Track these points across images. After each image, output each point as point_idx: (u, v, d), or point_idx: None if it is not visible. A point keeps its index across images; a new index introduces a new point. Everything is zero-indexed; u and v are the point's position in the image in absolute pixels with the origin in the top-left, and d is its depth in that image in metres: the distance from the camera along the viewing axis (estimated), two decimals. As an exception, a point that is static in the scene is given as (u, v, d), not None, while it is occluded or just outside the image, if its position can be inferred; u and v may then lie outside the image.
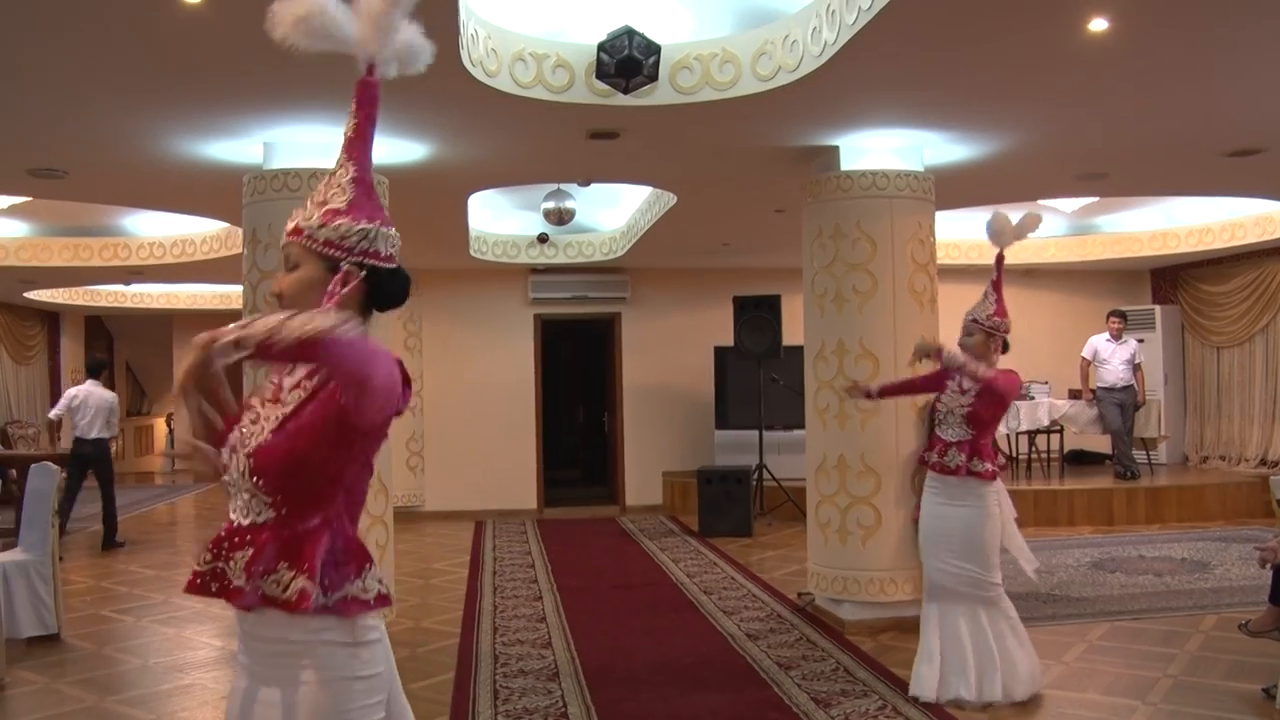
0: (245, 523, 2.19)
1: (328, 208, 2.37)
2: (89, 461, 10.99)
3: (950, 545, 5.35)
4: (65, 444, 12.34)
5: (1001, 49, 5.18)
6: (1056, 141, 7.18)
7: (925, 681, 5.33)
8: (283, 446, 2.15)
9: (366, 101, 2.44)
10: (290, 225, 2.34)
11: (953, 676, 5.29)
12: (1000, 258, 5.69)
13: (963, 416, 5.36)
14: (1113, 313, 12.11)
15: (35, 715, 5.56)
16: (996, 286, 5.56)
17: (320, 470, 2.15)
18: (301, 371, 2.22)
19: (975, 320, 5.46)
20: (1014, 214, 5.79)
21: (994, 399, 5.32)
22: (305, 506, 2.16)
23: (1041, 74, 5.62)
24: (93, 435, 10.96)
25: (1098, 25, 4.77)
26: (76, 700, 5.76)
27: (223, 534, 2.20)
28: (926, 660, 5.38)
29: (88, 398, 10.97)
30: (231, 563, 2.16)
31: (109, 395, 11.15)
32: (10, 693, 5.90)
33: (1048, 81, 5.78)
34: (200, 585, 2.18)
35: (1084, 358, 12.06)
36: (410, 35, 2.38)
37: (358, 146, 2.47)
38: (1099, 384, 11.93)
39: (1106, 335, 11.93)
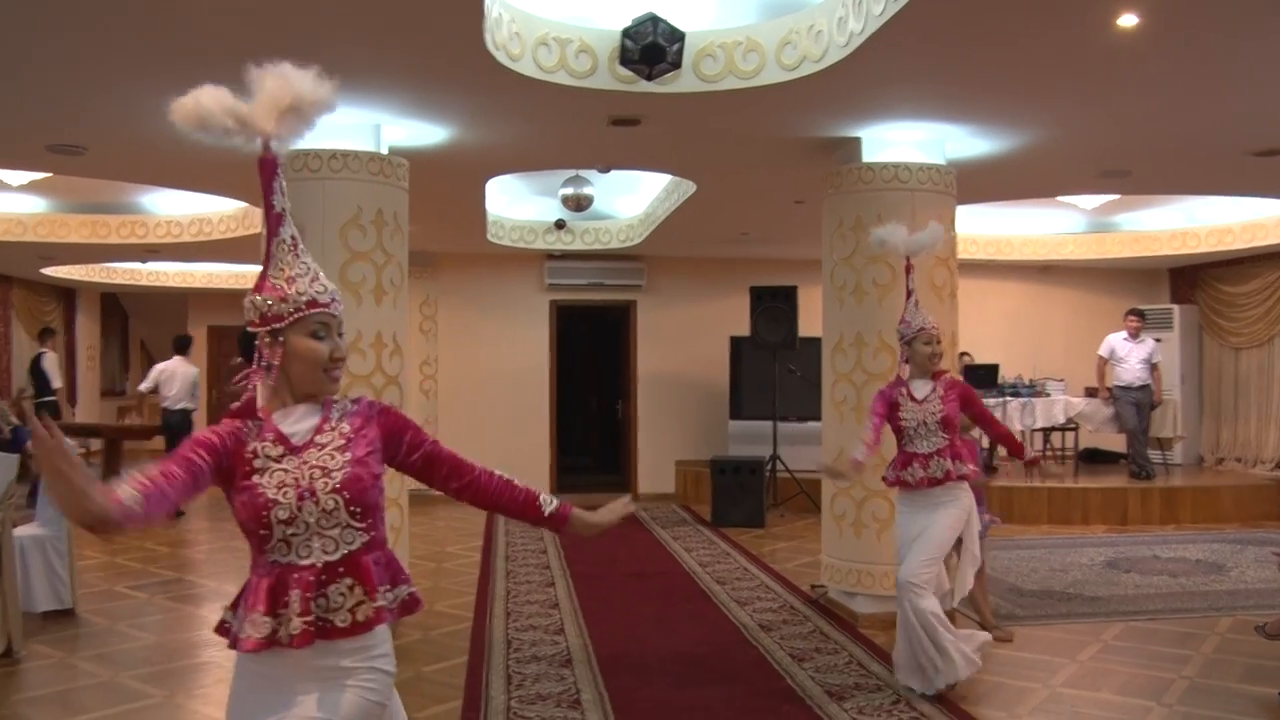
0: (333, 559, 2.38)
1: None
2: (174, 430, 11.84)
3: (918, 542, 5.33)
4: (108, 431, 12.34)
5: (1029, 43, 5.14)
6: (1081, 137, 7.13)
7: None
8: (366, 476, 2.44)
9: (265, 173, 2.55)
10: (335, 289, 2.55)
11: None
12: (907, 266, 5.65)
13: (937, 423, 5.32)
14: (1131, 311, 12.03)
15: (50, 689, 5.58)
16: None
17: (382, 492, 2.49)
18: (315, 419, 2.48)
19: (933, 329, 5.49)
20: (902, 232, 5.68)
21: (961, 398, 5.41)
22: (381, 525, 2.47)
23: (1069, 69, 5.58)
24: (178, 406, 11.93)
25: (1127, 21, 4.73)
26: (90, 675, 5.77)
27: (300, 585, 2.34)
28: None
29: (174, 372, 11.93)
30: (322, 599, 2.36)
31: (193, 370, 12.19)
32: (26, 666, 5.93)
33: (1074, 77, 5.73)
34: (308, 637, 2.33)
35: (1100, 356, 11.99)
36: (305, 100, 2.51)
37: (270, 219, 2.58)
38: (1115, 383, 11.86)
39: (1124, 334, 11.85)
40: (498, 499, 2.76)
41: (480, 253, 12.76)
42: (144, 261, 15.28)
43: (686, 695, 5.45)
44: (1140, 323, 11.83)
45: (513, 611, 7.19)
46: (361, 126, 6.56)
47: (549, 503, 2.74)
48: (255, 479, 2.36)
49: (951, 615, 6.84)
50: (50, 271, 15.43)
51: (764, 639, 6.49)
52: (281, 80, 2.48)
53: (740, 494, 11.04)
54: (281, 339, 2.43)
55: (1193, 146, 7.47)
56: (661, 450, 13.63)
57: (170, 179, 9.07)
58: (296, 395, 2.47)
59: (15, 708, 5.27)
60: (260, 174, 2.51)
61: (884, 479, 5.60)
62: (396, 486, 6.51)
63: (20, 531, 6.62)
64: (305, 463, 2.38)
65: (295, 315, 2.43)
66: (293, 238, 2.52)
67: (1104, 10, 4.66)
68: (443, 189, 8.51)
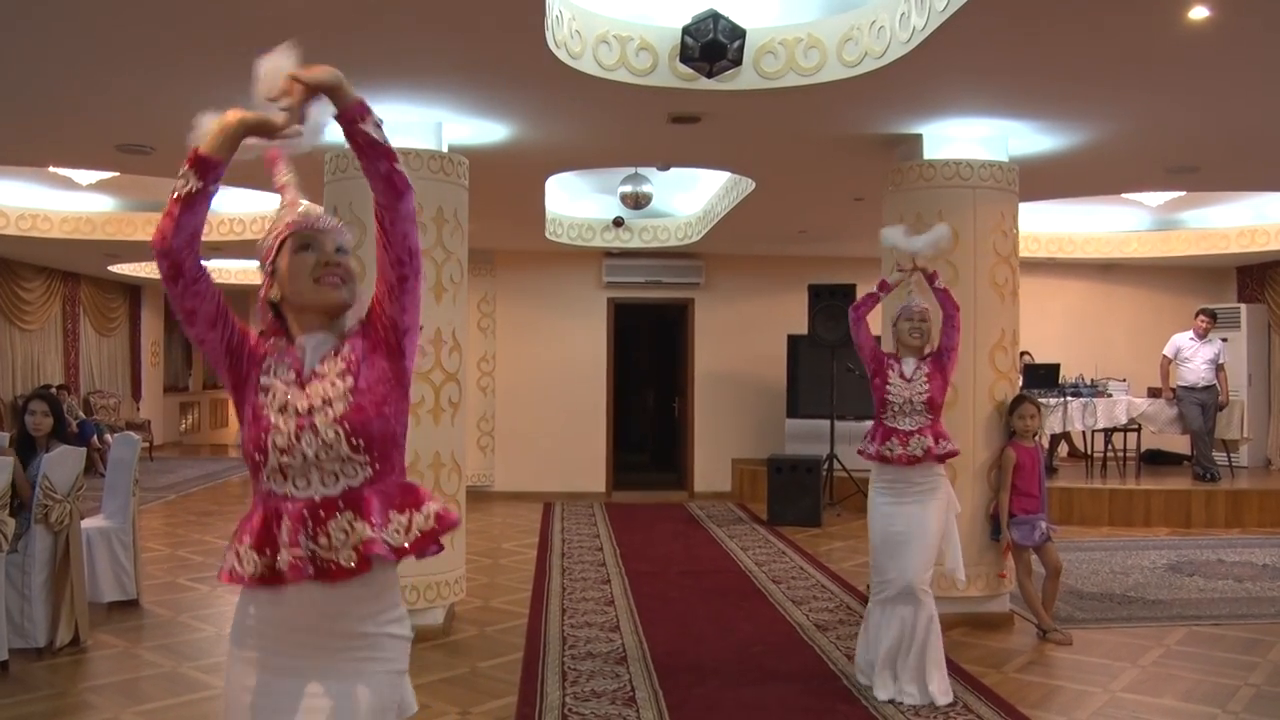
0: (333, 493, 2.23)
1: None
2: None
3: (912, 543, 5.20)
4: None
5: (1096, 37, 5.07)
6: (1148, 133, 7.01)
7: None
8: (370, 407, 2.28)
9: (270, 165, 2.57)
10: (333, 220, 2.53)
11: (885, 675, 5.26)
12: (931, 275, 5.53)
13: (923, 403, 5.28)
14: (1202, 311, 11.77)
15: (115, 678, 5.68)
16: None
17: (394, 425, 2.32)
18: (329, 348, 2.35)
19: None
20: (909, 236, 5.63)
21: (945, 374, 5.38)
22: (395, 460, 2.31)
23: (1137, 63, 5.49)
24: None
25: (1198, 14, 4.64)
26: (154, 665, 5.87)
27: (292, 516, 2.22)
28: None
29: None
30: (323, 537, 2.19)
31: None
32: (92, 655, 6.05)
33: (1143, 71, 5.64)
34: (299, 571, 2.18)
35: (1165, 356, 11.77)
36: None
37: None
38: (1180, 383, 11.65)
39: (1190, 333, 11.62)
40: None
41: (539, 250, 12.81)
42: (207, 259, 15.44)
43: (741, 694, 5.44)
44: (1210, 323, 11.58)
45: (568, 608, 7.21)
46: (423, 124, 6.61)
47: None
48: (260, 397, 2.32)
49: (1009, 618, 6.80)
50: (117, 269, 15.73)
51: (819, 639, 6.46)
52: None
53: (797, 493, 11.00)
54: (275, 269, 2.41)
55: (1263, 142, 7.31)
56: (718, 448, 13.61)
57: (234, 177, 9.13)
58: (305, 324, 2.39)
59: (82, 695, 5.37)
60: (266, 164, 2.56)
61: (860, 452, 5.52)
62: (454, 484, 6.55)
63: (87, 524, 6.74)
64: (308, 393, 2.29)
65: (277, 240, 2.43)
66: (290, 199, 2.54)
67: (1174, 2, 4.58)
68: (502, 187, 8.55)
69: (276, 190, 2.56)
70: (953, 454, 5.34)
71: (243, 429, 2.36)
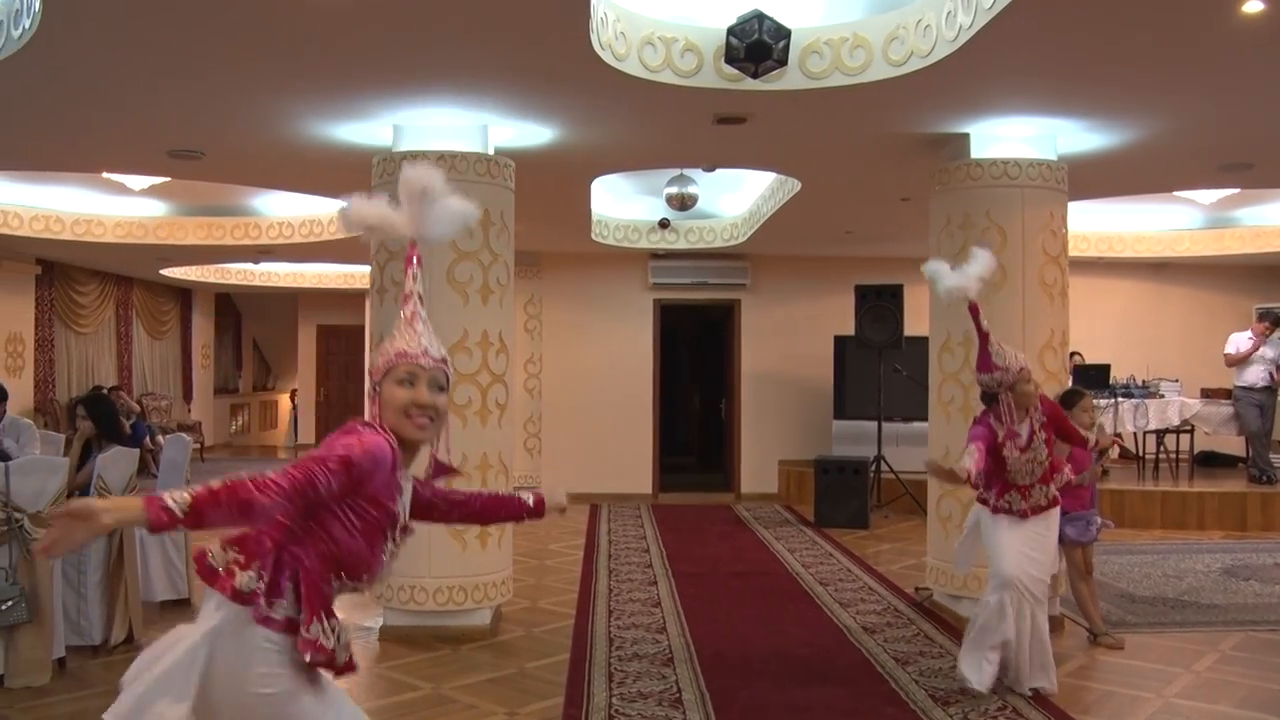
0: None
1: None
2: None
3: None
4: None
5: (1147, 33, 5.01)
6: (1200, 130, 6.91)
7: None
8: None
9: (405, 264, 2.90)
10: (438, 353, 2.80)
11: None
12: (973, 307, 5.23)
13: (1042, 460, 5.28)
14: (1262, 316, 11.54)
15: (167, 678, 5.74)
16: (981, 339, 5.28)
17: None
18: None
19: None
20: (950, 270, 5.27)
21: (1055, 426, 5.43)
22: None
23: (1188, 59, 5.42)
24: None
25: (1252, 7, 4.58)
26: (206, 665, 5.93)
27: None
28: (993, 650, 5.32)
29: None
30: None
31: None
32: (144, 655, 6.12)
33: (1196, 67, 5.56)
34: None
35: (1228, 354, 11.50)
36: (443, 211, 2.84)
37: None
38: (1238, 383, 11.44)
39: (1249, 333, 11.41)
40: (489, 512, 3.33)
41: (585, 252, 12.84)
42: (256, 262, 15.70)
43: (788, 696, 5.42)
44: (1270, 329, 11.30)
45: (615, 610, 7.22)
46: (469, 128, 6.64)
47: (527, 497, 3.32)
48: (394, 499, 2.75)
49: (1060, 621, 6.72)
50: (168, 272, 15.95)
51: (867, 641, 6.42)
52: (405, 185, 2.80)
53: (844, 494, 10.94)
54: (379, 389, 2.76)
55: (1319, 139, 7.20)
56: (765, 450, 13.58)
57: (283, 181, 9.29)
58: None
59: (136, 694, 5.44)
60: (405, 263, 2.89)
61: (981, 500, 5.46)
62: (502, 485, 6.59)
63: (140, 523, 6.83)
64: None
65: (386, 367, 2.74)
66: (411, 313, 2.82)
67: (1227, -2, 4.52)
68: (548, 189, 8.58)
69: (402, 296, 2.88)
70: (1069, 483, 5.60)
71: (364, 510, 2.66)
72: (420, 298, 2.86)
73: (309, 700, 2.61)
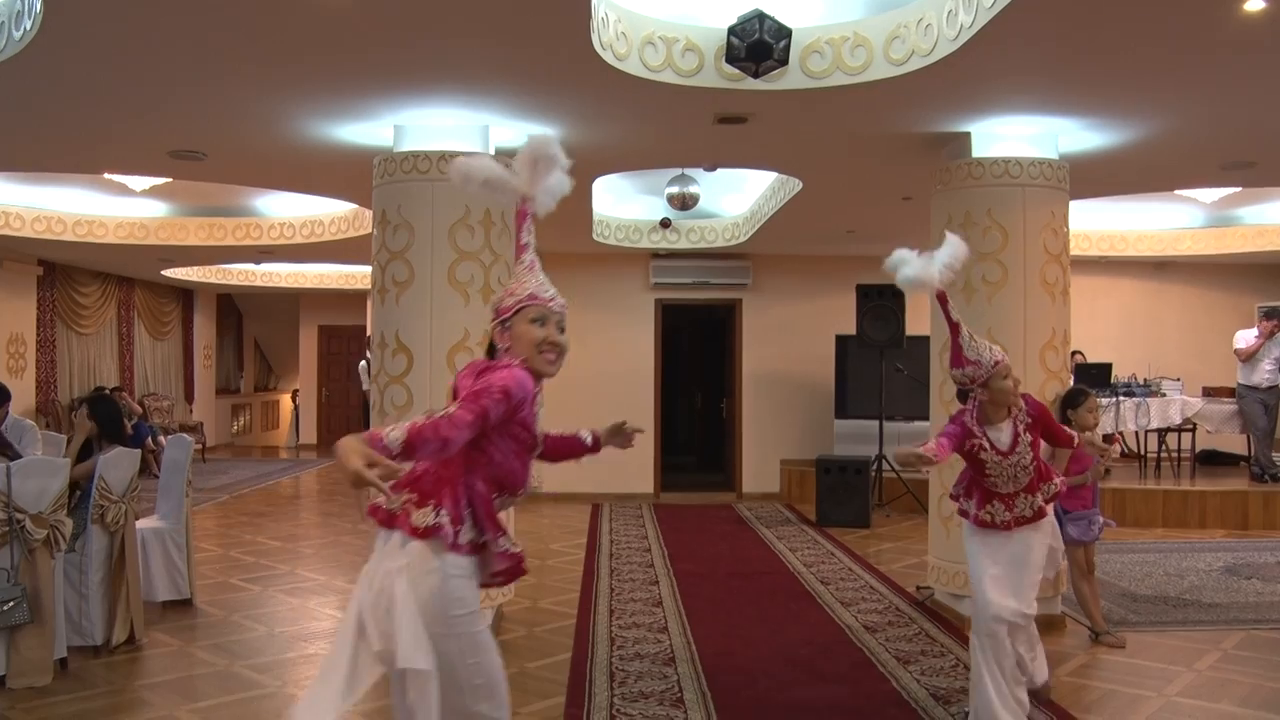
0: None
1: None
2: None
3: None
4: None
5: (1148, 32, 5.00)
6: (1202, 128, 6.91)
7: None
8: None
9: (518, 223, 3.37)
10: (561, 298, 3.26)
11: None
12: (941, 296, 4.79)
13: (1027, 466, 4.74)
14: (1267, 315, 11.50)
15: (170, 676, 5.76)
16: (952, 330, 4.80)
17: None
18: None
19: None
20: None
21: (1041, 427, 4.85)
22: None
23: (1190, 58, 5.42)
24: None
25: (1254, 5, 4.58)
26: (207, 664, 5.94)
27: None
28: None
29: None
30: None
31: None
32: (147, 653, 6.14)
33: (1196, 66, 5.56)
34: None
35: (1240, 349, 11.45)
36: (556, 180, 3.35)
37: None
38: (1243, 381, 11.42)
39: (1256, 331, 11.39)
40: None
41: (586, 252, 12.83)
42: (258, 263, 15.71)
43: (789, 696, 5.42)
44: (1276, 327, 11.30)
45: (616, 609, 7.22)
46: (470, 128, 6.64)
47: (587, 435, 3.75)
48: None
49: (1061, 620, 6.72)
50: (170, 273, 15.96)
51: (869, 640, 6.42)
52: (530, 149, 3.29)
53: (846, 494, 10.94)
54: (509, 326, 3.15)
55: (1321, 137, 7.19)
56: (766, 449, 13.57)
57: (285, 182, 9.29)
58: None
59: (138, 692, 5.46)
60: (515, 219, 3.37)
61: (961, 511, 4.98)
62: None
63: (142, 524, 6.84)
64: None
65: (517, 306, 3.16)
66: (530, 261, 3.28)
67: (1227, -3, 4.52)
68: (549, 189, 8.56)
69: (517, 248, 3.31)
70: (1058, 494, 4.97)
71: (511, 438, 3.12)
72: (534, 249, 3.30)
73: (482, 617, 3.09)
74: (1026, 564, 4.78)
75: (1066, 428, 5.24)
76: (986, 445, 4.71)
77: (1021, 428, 4.73)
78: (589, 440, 3.73)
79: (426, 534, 2.94)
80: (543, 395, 3.22)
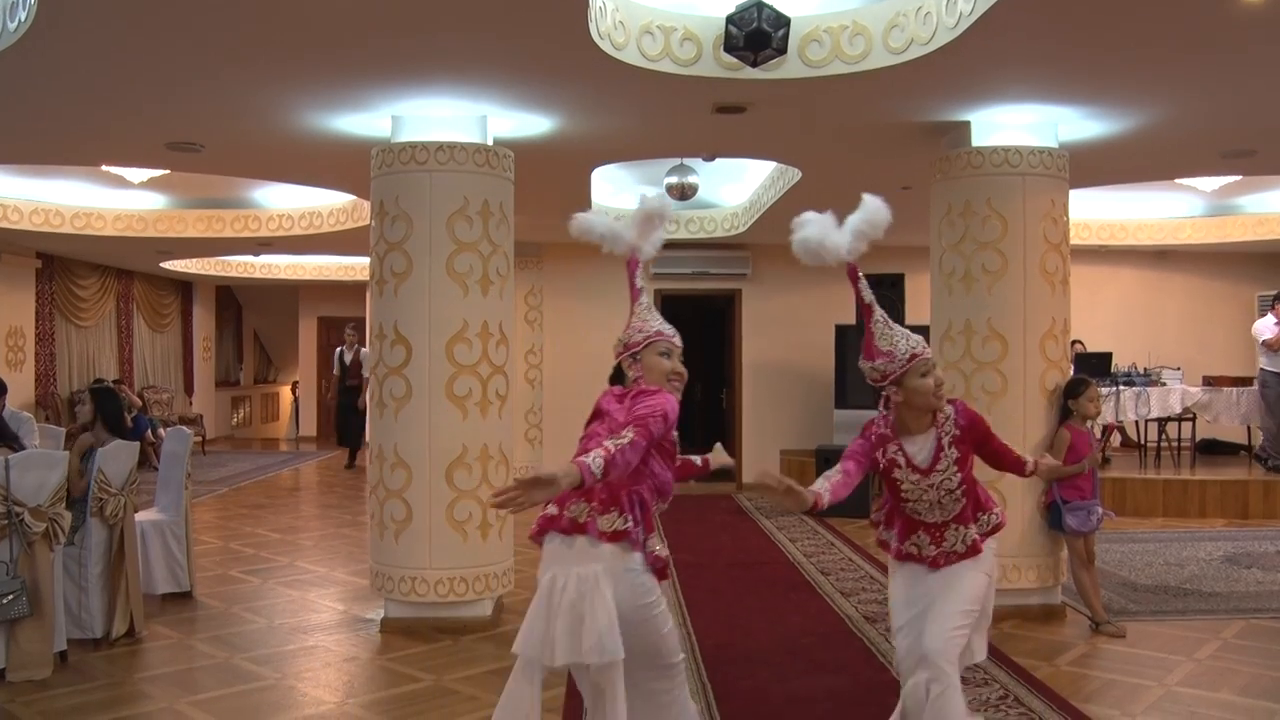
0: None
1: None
2: None
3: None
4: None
5: (1148, 19, 4.98)
6: (1202, 117, 6.88)
7: None
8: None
9: (631, 271, 3.94)
10: (677, 334, 3.80)
11: None
12: (851, 270, 4.01)
13: (954, 490, 3.89)
14: (1278, 299, 11.48)
15: (170, 668, 5.76)
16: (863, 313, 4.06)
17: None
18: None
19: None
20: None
21: (974, 438, 3.95)
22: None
23: (1190, 46, 5.39)
24: None
25: (1254, -6, 4.56)
26: (207, 656, 5.94)
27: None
28: None
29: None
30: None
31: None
32: (147, 645, 6.14)
33: (1197, 54, 5.54)
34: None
35: (1267, 341, 11.40)
36: (659, 236, 3.98)
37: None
38: (1269, 367, 11.27)
39: (1273, 318, 11.32)
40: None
41: (585, 243, 12.73)
42: (257, 255, 15.71)
43: (790, 686, 5.42)
44: None
45: (617, 600, 7.20)
46: (468, 118, 6.62)
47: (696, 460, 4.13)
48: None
49: (1061, 610, 6.72)
50: (169, 265, 15.94)
51: (869, 630, 6.42)
52: (645, 208, 3.93)
53: (845, 484, 10.90)
54: (639, 358, 3.67)
55: (1321, 125, 7.17)
56: (766, 439, 13.57)
57: (283, 173, 9.27)
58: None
59: (137, 685, 5.46)
60: (626, 267, 3.93)
61: (879, 542, 4.23)
62: (502, 476, 6.58)
63: (141, 517, 6.83)
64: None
65: (646, 341, 3.68)
66: (648, 302, 3.87)
67: (1227, -15, 4.50)
68: (548, 179, 8.56)
69: (632, 292, 3.86)
70: (1000, 526, 4.00)
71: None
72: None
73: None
74: (949, 593, 3.86)
75: (1014, 451, 4.11)
76: (901, 461, 3.86)
77: (946, 441, 3.85)
78: (699, 463, 4.24)
79: (615, 537, 3.33)
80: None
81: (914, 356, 3.83)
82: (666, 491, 3.59)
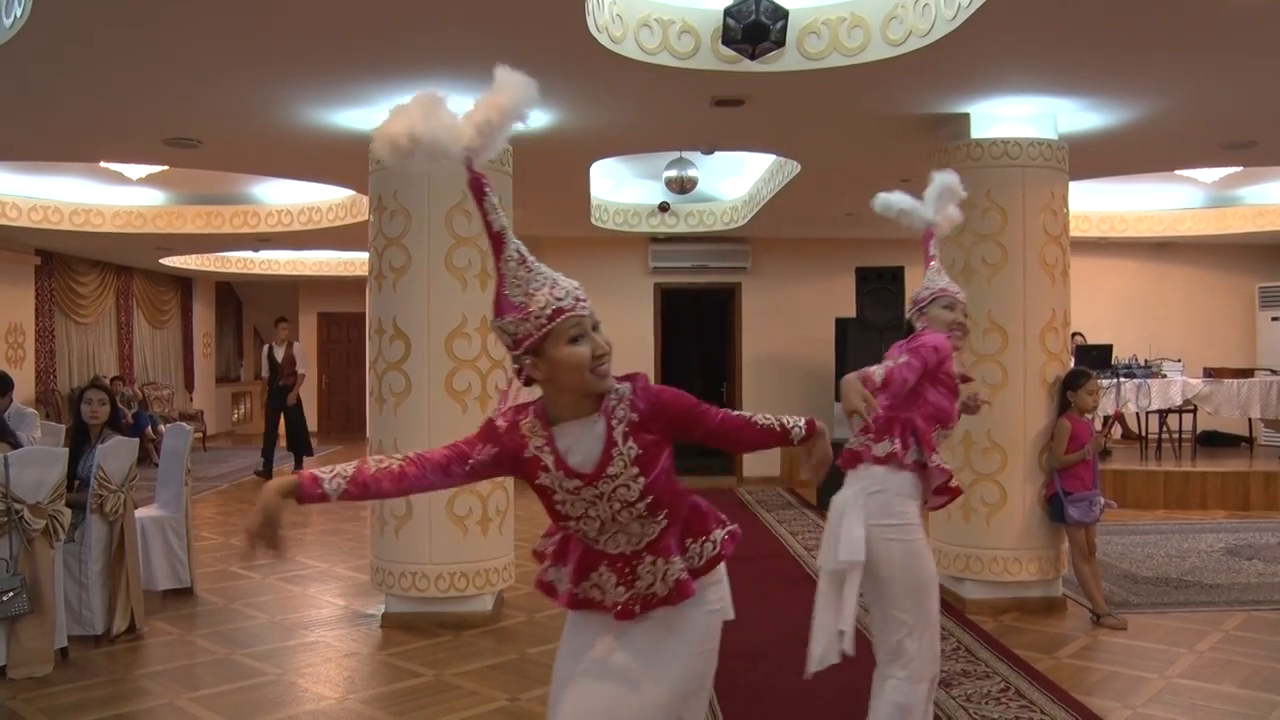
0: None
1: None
2: None
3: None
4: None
5: (1148, 10, 4.97)
6: (1202, 108, 6.87)
7: None
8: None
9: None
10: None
11: None
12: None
13: (634, 503, 2.53)
14: None
15: (170, 664, 5.76)
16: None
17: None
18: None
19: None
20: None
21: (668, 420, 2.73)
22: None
23: (1190, 37, 5.38)
24: None
25: (1253, -16, 4.54)
26: (208, 652, 5.94)
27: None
28: None
29: None
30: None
31: None
32: (148, 641, 6.14)
33: (1196, 45, 5.52)
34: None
35: None
36: (954, 211, 4.35)
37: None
38: None
39: None
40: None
41: (584, 237, 12.80)
42: (256, 250, 15.69)
43: (792, 680, 5.40)
44: None
45: (618, 594, 7.19)
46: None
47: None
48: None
49: (1062, 602, 6.71)
50: (168, 261, 15.94)
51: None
52: (940, 183, 4.25)
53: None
54: (925, 312, 4.07)
55: (1321, 116, 7.16)
56: (766, 433, 13.53)
57: (281, 168, 9.26)
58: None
59: (138, 681, 5.46)
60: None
61: (540, 584, 2.90)
62: (502, 469, 6.57)
63: (141, 513, 6.83)
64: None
65: (931, 298, 4.09)
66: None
67: (1226, -25, 4.49)
68: (547, 174, 8.55)
69: (926, 257, 4.32)
70: (720, 558, 2.78)
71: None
72: None
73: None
74: (648, 683, 2.67)
75: (759, 419, 2.91)
76: (548, 462, 2.57)
77: (619, 432, 2.57)
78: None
79: (884, 460, 3.79)
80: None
81: (559, 313, 2.45)
82: (945, 418, 3.93)
